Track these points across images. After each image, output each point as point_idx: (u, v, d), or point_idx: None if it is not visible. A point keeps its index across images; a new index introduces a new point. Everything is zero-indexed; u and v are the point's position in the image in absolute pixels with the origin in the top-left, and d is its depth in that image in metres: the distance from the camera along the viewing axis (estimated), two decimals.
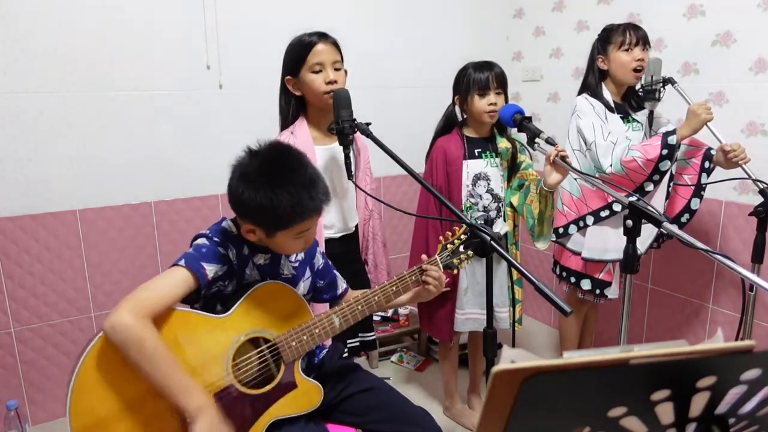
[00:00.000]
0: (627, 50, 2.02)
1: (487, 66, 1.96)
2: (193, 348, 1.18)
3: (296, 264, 1.42)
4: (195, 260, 1.20)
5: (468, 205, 2.02)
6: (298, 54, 1.65)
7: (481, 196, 2.02)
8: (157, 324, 1.14)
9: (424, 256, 1.41)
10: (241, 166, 1.21)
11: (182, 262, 1.19)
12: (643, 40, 2.02)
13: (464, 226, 1.41)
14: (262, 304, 1.28)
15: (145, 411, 1.14)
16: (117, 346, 1.09)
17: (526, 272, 1.19)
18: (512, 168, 2.07)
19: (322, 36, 1.66)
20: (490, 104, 1.93)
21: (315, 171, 1.24)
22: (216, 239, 1.25)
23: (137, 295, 1.13)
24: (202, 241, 1.25)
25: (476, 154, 2.02)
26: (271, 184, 1.16)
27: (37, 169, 2.17)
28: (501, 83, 1.95)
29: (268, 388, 1.27)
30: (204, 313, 1.22)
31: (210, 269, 1.21)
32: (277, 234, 1.23)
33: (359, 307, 1.35)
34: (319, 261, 1.49)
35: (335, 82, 1.64)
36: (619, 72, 2.06)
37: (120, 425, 1.12)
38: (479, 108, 1.95)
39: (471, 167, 2.00)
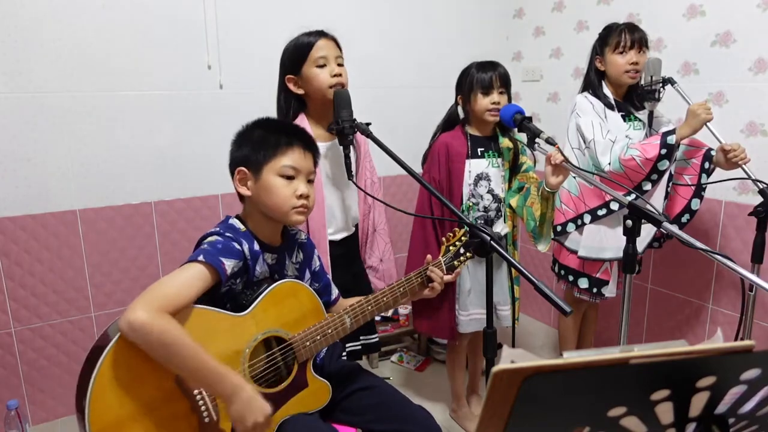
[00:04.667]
0: (621, 53, 2.02)
1: (490, 66, 1.95)
2: (212, 346, 1.18)
3: (297, 265, 1.43)
4: (213, 256, 1.19)
5: (469, 205, 2.02)
6: (300, 51, 1.65)
7: (482, 196, 2.02)
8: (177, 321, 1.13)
9: (429, 257, 1.43)
10: (234, 138, 1.37)
11: (200, 258, 1.18)
12: (639, 43, 2.01)
13: (464, 228, 1.42)
14: (279, 303, 1.28)
15: (163, 412, 1.14)
16: (137, 343, 1.08)
17: (525, 272, 1.20)
18: (513, 169, 2.07)
19: (322, 33, 1.67)
20: (493, 103, 1.93)
21: (298, 125, 1.43)
22: (228, 234, 1.26)
23: (151, 291, 1.12)
24: (214, 238, 1.25)
25: (479, 153, 2.01)
26: (263, 129, 1.34)
27: (37, 169, 2.17)
28: (504, 83, 1.95)
29: (281, 387, 1.28)
30: (222, 311, 1.22)
31: (229, 264, 1.21)
32: (262, 171, 1.28)
33: (369, 307, 1.36)
34: (316, 263, 1.50)
35: (340, 75, 1.64)
36: (614, 74, 2.06)
37: (139, 426, 1.11)
38: (482, 106, 1.94)
39: (474, 167, 2.00)
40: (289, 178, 1.29)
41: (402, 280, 1.39)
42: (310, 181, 1.34)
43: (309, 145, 1.34)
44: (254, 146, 1.30)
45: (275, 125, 1.38)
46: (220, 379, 1.13)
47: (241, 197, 1.36)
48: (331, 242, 1.75)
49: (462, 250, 1.44)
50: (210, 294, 1.23)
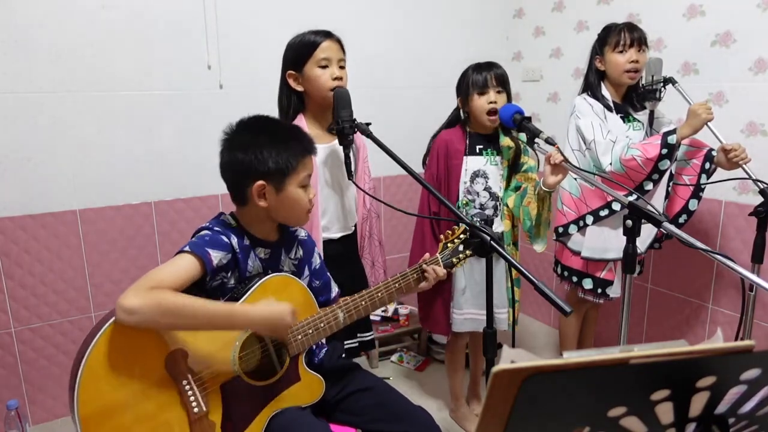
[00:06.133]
0: (621, 51, 2.02)
1: (486, 66, 1.96)
2: (203, 338, 1.19)
3: (296, 261, 1.43)
4: (199, 246, 1.21)
5: (465, 201, 2.02)
6: (304, 49, 1.65)
7: (478, 193, 2.02)
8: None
9: (427, 255, 1.43)
10: (232, 140, 1.31)
11: (187, 248, 1.21)
12: (639, 41, 2.02)
13: (463, 225, 1.42)
14: (270, 296, 1.28)
15: (153, 401, 1.14)
16: (140, 326, 1.10)
17: (525, 272, 1.20)
18: (513, 168, 2.07)
19: (329, 34, 1.67)
20: (490, 102, 1.92)
21: (295, 125, 1.42)
22: (217, 228, 1.28)
23: (141, 280, 1.14)
24: (204, 232, 1.28)
25: (477, 150, 2.02)
26: (269, 135, 1.29)
27: (37, 169, 2.17)
28: (501, 82, 1.95)
29: (272, 380, 1.29)
30: None
31: (215, 255, 1.22)
32: (286, 183, 1.28)
33: (363, 302, 1.36)
34: (317, 261, 1.51)
35: (340, 78, 1.65)
36: (614, 73, 2.06)
37: (127, 414, 1.12)
38: (479, 106, 1.94)
39: (470, 164, 2.00)
40: (305, 186, 1.32)
41: (397, 275, 1.40)
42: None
43: (313, 148, 1.36)
44: (275, 160, 1.26)
45: (285, 133, 1.34)
46: (232, 321, 1.19)
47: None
48: (329, 240, 1.76)
49: (461, 248, 1.43)
50: (202, 289, 1.24)
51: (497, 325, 2.10)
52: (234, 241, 1.27)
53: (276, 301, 1.22)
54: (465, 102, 2.00)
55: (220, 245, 1.24)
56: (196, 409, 1.17)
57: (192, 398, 1.17)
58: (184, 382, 1.17)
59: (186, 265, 1.19)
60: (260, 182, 1.27)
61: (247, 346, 1.26)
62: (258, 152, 1.26)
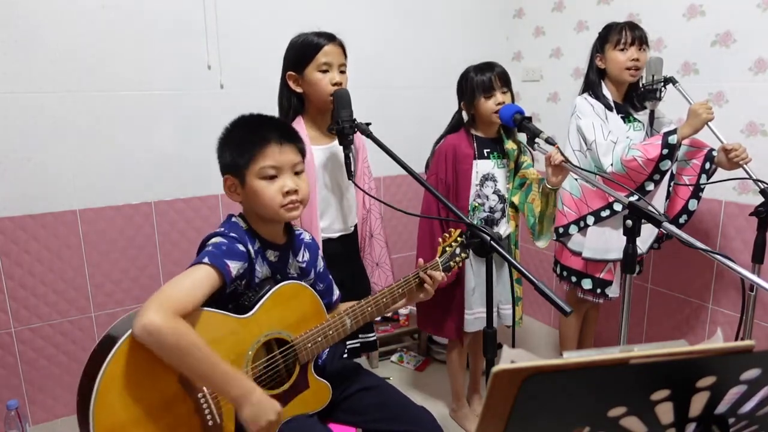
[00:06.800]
0: (622, 50, 2.03)
1: (487, 67, 1.95)
2: (216, 349, 1.17)
3: (303, 264, 1.43)
4: (218, 258, 1.19)
5: (475, 206, 2.02)
6: (305, 52, 1.65)
7: (488, 197, 2.02)
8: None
9: (421, 261, 1.44)
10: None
11: (206, 260, 1.17)
12: (640, 40, 2.02)
13: (459, 228, 1.44)
14: (282, 305, 1.28)
15: (167, 416, 1.13)
16: (151, 347, 1.07)
17: (526, 272, 1.20)
18: (517, 169, 2.08)
19: (331, 37, 1.67)
20: (498, 104, 1.91)
21: (272, 117, 1.41)
22: (233, 235, 1.25)
23: (164, 294, 1.11)
24: (218, 239, 1.24)
25: (485, 154, 2.01)
26: (239, 129, 1.33)
27: (37, 169, 2.17)
28: (505, 82, 1.94)
29: (284, 388, 1.28)
30: (226, 313, 1.21)
31: (234, 266, 1.20)
32: (245, 176, 1.27)
33: (369, 308, 1.37)
34: (320, 264, 1.50)
35: (340, 84, 1.64)
36: (615, 71, 2.06)
37: (142, 429, 1.11)
38: (488, 109, 1.93)
39: (480, 168, 2.00)
40: (272, 177, 1.27)
41: (401, 280, 1.40)
42: (298, 173, 1.31)
43: (284, 136, 1.29)
44: (233, 151, 1.28)
45: (249, 123, 1.34)
46: (231, 383, 1.13)
47: None
48: (328, 240, 1.76)
49: (458, 251, 1.44)
50: (214, 295, 1.23)
51: (503, 320, 2.10)
52: (248, 246, 1.26)
53: (264, 406, 1.17)
54: (470, 105, 1.99)
55: (238, 255, 1.22)
56: (210, 422, 1.17)
57: (207, 410, 1.17)
58: (199, 395, 1.16)
59: (206, 279, 1.16)
60: (226, 176, 1.31)
61: (258, 357, 1.25)
62: (223, 147, 1.32)
